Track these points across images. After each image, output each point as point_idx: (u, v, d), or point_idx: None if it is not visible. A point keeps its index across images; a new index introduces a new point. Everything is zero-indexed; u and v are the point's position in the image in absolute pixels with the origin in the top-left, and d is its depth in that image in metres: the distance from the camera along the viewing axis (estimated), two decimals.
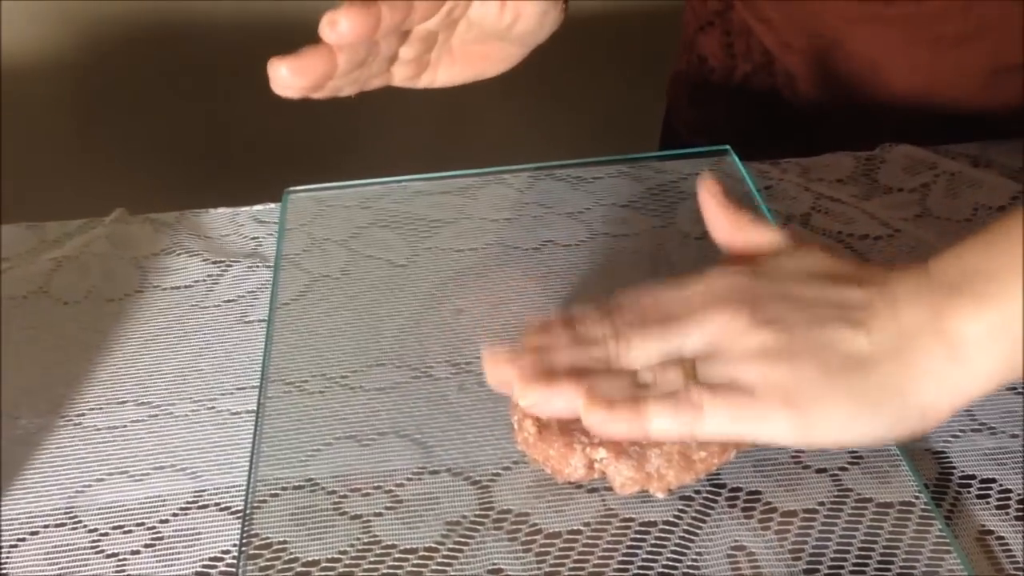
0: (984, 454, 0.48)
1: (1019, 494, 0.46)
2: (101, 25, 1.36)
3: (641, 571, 0.44)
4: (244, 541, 0.46)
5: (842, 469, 0.47)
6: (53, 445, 0.52)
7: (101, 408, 0.54)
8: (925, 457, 0.48)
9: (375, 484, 0.48)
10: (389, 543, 0.45)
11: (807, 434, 0.43)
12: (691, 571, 0.44)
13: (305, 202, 0.66)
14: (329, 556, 0.45)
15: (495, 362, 0.47)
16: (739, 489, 0.47)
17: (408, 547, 0.45)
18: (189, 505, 0.48)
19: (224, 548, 0.46)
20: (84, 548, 0.47)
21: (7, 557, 0.46)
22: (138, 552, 0.46)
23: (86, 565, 0.46)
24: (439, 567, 0.44)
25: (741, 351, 0.44)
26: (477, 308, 0.58)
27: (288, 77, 0.50)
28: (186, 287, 0.61)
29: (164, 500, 0.48)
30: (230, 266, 0.62)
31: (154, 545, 0.46)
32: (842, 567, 0.43)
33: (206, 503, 0.48)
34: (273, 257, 0.62)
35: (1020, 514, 0.45)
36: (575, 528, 0.46)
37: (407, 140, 1.43)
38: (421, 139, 1.44)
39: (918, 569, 0.43)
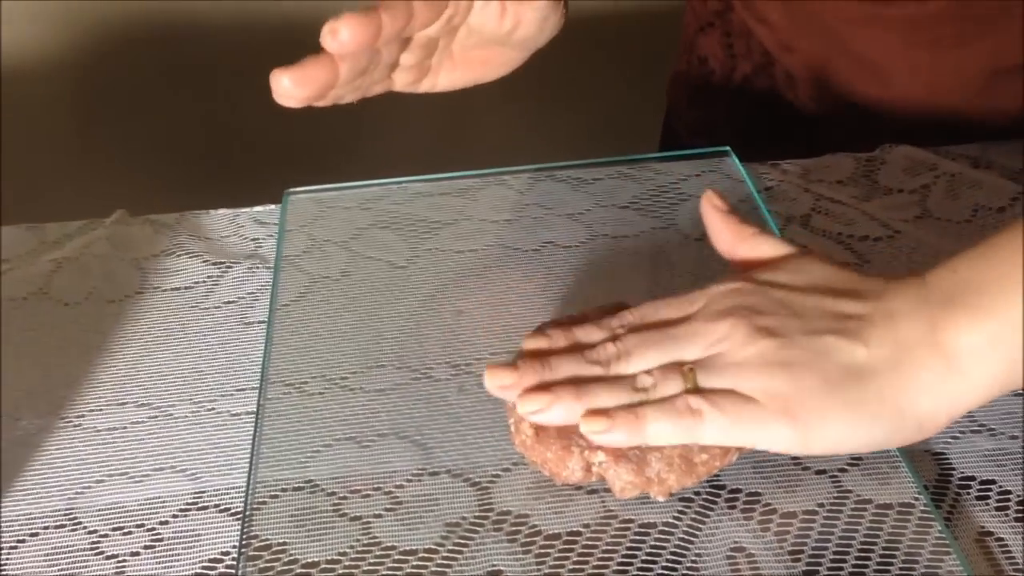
0: (984, 455, 0.48)
1: (1018, 495, 0.46)
2: (101, 26, 1.36)
3: (641, 572, 0.44)
4: (244, 542, 0.46)
5: (842, 471, 0.47)
6: (53, 446, 0.52)
7: (101, 409, 0.54)
8: (925, 458, 0.48)
9: (375, 485, 0.48)
10: (389, 544, 0.45)
11: (806, 442, 0.44)
12: (691, 572, 0.44)
13: (305, 203, 0.66)
14: (329, 557, 0.45)
15: (495, 371, 0.47)
16: (739, 490, 0.47)
17: (408, 548, 0.45)
18: (189, 506, 0.48)
19: (224, 549, 0.46)
20: (84, 549, 0.47)
21: (7, 558, 0.46)
22: (138, 553, 0.46)
23: (86, 566, 0.46)
24: (439, 568, 0.44)
25: (741, 360, 0.45)
26: (477, 309, 0.58)
27: (291, 88, 0.50)
28: (186, 288, 0.61)
29: (164, 501, 0.48)
30: (230, 267, 0.62)
31: (154, 546, 0.46)
32: (842, 568, 0.43)
33: (206, 504, 0.48)
34: (273, 258, 0.62)
35: (1019, 515, 0.45)
36: (575, 529, 0.46)
37: (407, 141, 1.43)
38: (421, 140, 1.44)
39: (918, 570, 0.43)
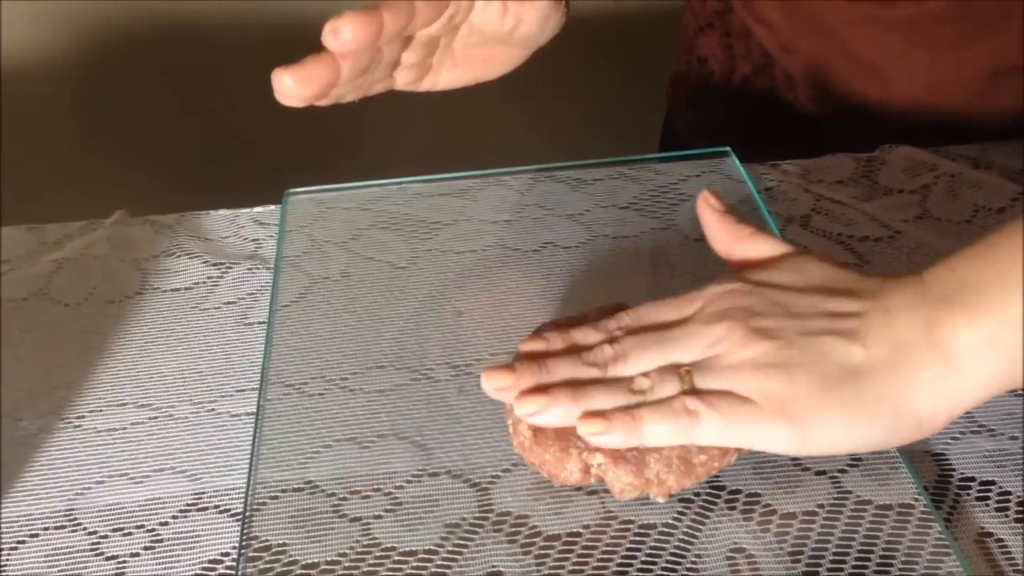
0: (984, 456, 0.48)
1: (1018, 496, 0.46)
2: (102, 26, 1.36)
3: (640, 573, 0.44)
4: (243, 543, 0.46)
5: (841, 471, 0.47)
6: (53, 447, 0.52)
7: (101, 410, 0.54)
8: (924, 459, 0.48)
9: (375, 486, 0.48)
10: (388, 545, 0.45)
11: (803, 443, 0.44)
12: (690, 573, 0.44)
13: (305, 204, 0.66)
14: (328, 558, 0.45)
15: (492, 373, 0.47)
16: (738, 491, 0.47)
17: (407, 549, 0.45)
18: (189, 507, 0.48)
19: (224, 550, 0.46)
20: (84, 550, 0.47)
21: (7, 559, 0.46)
22: (138, 554, 0.46)
23: (86, 567, 0.46)
24: (438, 569, 0.44)
25: (738, 361, 0.45)
26: (477, 310, 0.58)
27: (292, 87, 0.50)
28: (186, 289, 0.61)
29: (164, 502, 0.48)
30: (230, 268, 0.62)
31: (154, 547, 0.46)
32: (841, 569, 0.43)
33: (206, 505, 0.48)
34: (273, 259, 0.62)
35: (1019, 516, 0.45)
36: (574, 530, 0.46)
37: (407, 142, 1.43)
38: (421, 140, 1.44)
39: (917, 571, 0.43)
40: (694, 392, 0.45)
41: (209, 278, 0.62)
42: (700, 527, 0.45)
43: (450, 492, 0.48)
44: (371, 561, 0.45)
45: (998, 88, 0.71)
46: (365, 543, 0.46)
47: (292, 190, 0.67)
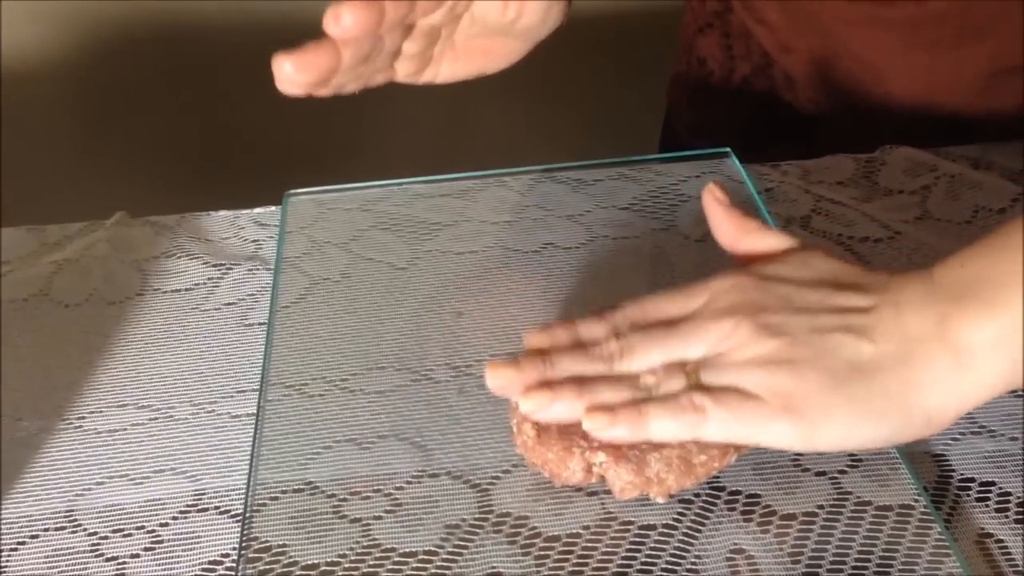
0: (984, 457, 0.48)
1: (1018, 497, 0.46)
2: (102, 27, 1.36)
3: (640, 574, 0.44)
4: (243, 544, 0.46)
5: (841, 472, 0.47)
6: (53, 448, 0.52)
7: (101, 411, 0.54)
8: (924, 460, 0.48)
9: (375, 487, 0.48)
10: (388, 546, 0.45)
11: (810, 440, 0.44)
12: (690, 574, 0.44)
13: (305, 205, 0.66)
14: (328, 559, 0.45)
15: (496, 368, 0.47)
16: (738, 492, 0.47)
17: (407, 550, 0.45)
18: (189, 508, 0.48)
19: (224, 551, 0.46)
20: (84, 551, 0.47)
21: (7, 560, 0.46)
22: (138, 555, 0.46)
23: (86, 568, 0.46)
24: (438, 570, 0.44)
25: (745, 358, 0.45)
26: (477, 311, 0.58)
27: (293, 73, 0.49)
28: (186, 290, 0.61)
29: (164, 503, 0.48)
30: (230, 269, 0.62)
31: (154, 548, 0.46)
32: (841, 570, 0.43)
33: (206, 506, 0.48)
34: (273, 260, 0.62)
35: (1019, 517, 0.45)
36: (574, 531, 0.46)
37: (407, 143, 1.43)
38: (421, 142, 1.44)
39: (917, 572, 0.43)
40: (700, 388, 0.44)
41: (209, 279, 0.62)
42: (700, 528, 0.45)
43: (450, 493, 0.48)
44: (371, 562, 0.45)
45: (998, 88, 0.71)
46: (365, 544, 0.46)
47: (292, 191, 0.67)
